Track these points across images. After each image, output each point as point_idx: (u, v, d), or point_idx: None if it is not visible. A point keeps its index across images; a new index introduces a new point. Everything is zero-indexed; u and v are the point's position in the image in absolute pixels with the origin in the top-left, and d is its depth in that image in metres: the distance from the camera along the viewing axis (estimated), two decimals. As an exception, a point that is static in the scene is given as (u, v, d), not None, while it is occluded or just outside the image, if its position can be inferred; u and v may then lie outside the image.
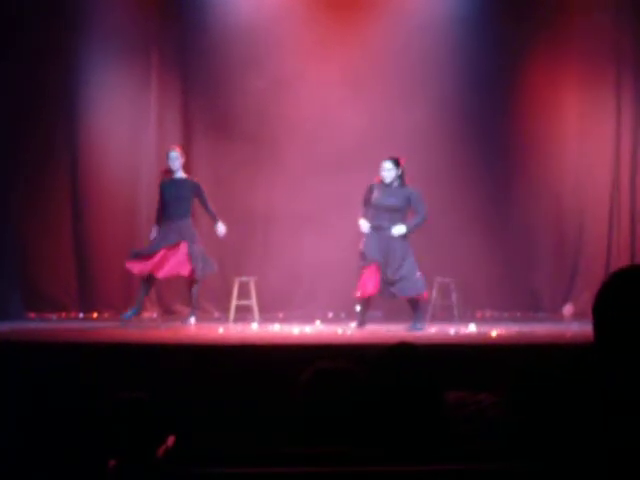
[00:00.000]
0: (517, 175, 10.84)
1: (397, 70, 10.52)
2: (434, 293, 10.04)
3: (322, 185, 10.30)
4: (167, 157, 9.14)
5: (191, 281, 9.17)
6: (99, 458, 2.19)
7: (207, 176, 10.33)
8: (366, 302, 8.56)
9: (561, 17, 10.53)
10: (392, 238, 8.30)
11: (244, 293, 9.91)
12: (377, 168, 8.58)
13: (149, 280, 9.01)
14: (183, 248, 8.89)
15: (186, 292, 9.73)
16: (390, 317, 9.98)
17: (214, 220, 9.22)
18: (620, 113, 10.68)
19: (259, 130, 10.58)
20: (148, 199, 10.29)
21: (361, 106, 10.36)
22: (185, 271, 8.97)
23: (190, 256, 8.90)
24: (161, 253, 8.83)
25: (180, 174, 9.14)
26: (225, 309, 10.02)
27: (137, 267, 8.89)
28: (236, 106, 10.55)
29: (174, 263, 8.88)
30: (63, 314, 10.29)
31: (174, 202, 9.02)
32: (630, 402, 1.97)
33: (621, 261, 10.44)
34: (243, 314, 9.85)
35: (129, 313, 8.99)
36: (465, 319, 9.67)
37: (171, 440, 2.42)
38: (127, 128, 10.56)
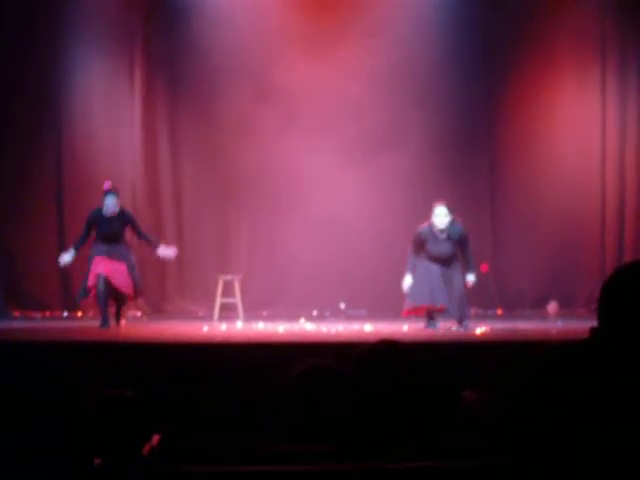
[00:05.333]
0: (502, 173, 10.89)
1: (395, 58, 10.50)
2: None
3: (308, 185, 10.31)
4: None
5: None
6: (84, 457, 2.18)
7: (192, 170, 10.39)
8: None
9: (549, 9, 10.61)
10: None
11: (228, 291, 9.90)
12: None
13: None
14: None
15: (170, 290, 9.74)
16: (374, 315, 9.97)
17: None
18: (605, 101, 10.78)
19: (247, 127, 10.53)
20: (133, 197, 10.33)
21: (360, 96, 10.38)
22: None
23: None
24: None
25: None
26: (209, 307, 10.00)
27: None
28: (224, 95, 10.52)
29: None
30: (47, 313, 10.24)
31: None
32: (633, 396, 1.97)
33: (609, 257, 10.52)
34: (227, 312, 9.84)
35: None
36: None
37: (156, 439, 2.42)
38: (112, 123, 10.50)
